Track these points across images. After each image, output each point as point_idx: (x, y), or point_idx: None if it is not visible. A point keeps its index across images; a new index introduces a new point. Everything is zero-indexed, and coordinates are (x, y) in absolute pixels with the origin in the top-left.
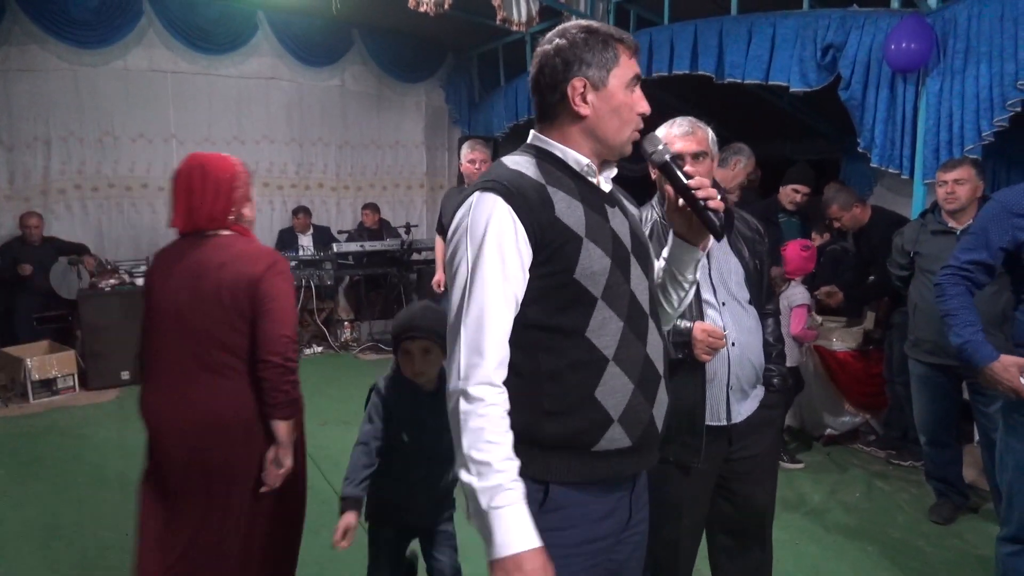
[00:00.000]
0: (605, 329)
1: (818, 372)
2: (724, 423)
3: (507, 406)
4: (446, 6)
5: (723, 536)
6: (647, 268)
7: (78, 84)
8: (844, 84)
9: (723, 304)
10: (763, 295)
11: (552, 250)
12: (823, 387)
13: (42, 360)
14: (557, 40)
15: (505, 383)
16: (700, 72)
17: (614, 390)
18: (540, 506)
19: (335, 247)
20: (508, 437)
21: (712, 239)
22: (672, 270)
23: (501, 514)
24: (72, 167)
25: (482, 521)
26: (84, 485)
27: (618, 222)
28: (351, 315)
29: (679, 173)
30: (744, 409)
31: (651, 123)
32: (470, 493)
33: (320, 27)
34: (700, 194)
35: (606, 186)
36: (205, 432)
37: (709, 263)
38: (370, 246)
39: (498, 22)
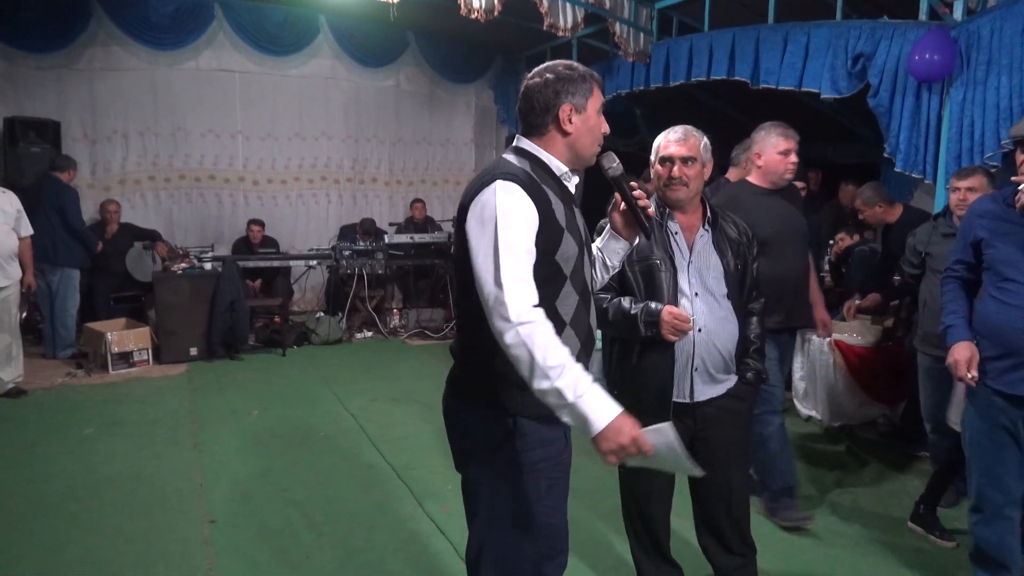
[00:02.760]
0: (568, 300)
1: (838, 365)
2: (687, 400)
3: None
4: (496, 12)
5: (706, 514)
6: (590, 254)
7: (155, 83)
8: (873, 92)
9: (696, 294)
10: (745, 293)
11: (545, 235)
12: (843, 380)
13: (121, 335)
14: (547, 75)
15: (488, 336)
16: (736, 78)
17: (568, 346)
18: (511, 432)
19: (386, 238)
20: (562, 346)
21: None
22: (603, 256)
23: (588, 398)
24: (147, 160)
25: (573, 411)
26: (161, 443)
27: (579, 219)
28: (400, 303)
29: (625, 186)
30: (708, 391)
31: (696, 124)
32: (555, 394)
33: (377, 31)
34: (641, 203)
35: (572, 188)
36: None
37: (691, 257)
38: (419, 238)
39: (545, 27)
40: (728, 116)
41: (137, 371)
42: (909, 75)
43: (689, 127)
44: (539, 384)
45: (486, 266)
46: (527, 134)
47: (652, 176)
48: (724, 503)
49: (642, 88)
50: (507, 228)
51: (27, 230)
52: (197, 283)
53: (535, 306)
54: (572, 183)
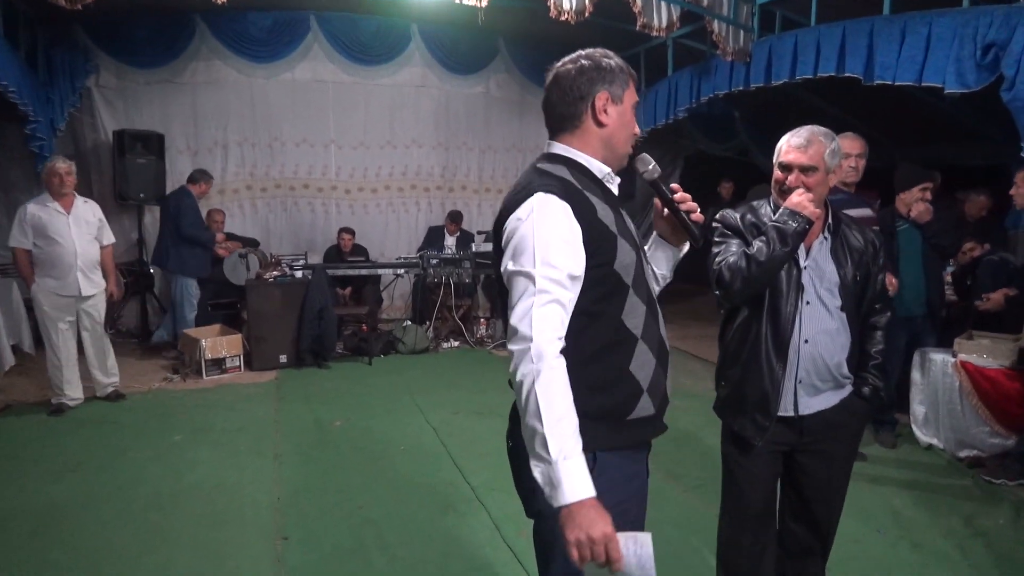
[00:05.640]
0: (635, 312)
1: (965, 389)
2: (792, 414)
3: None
4: (586, 14)
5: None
6: (647, 260)
7: (253, 95)
8: (1007, 84)
9: (807, 303)
10: (865, 304)
11: (596, 246)
12: (970, 405)
13: (215, 341)
14: (582, 62)
15: None
16: (847, 74)
17: (643, 364)
18: (591, 471)
19: (474, 246)
20: (570, 399)
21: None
22: (651, 267)
23: (571, 464)
24: (245, 169)
25: (551, 470)
26: (245, 454)
27: (629, 222)
28: (487, 312)
29: (664, 189)
30: (814, 404)
31: (795, 123)
32: (541, 442)
33: (467, 37)
34: (683, 207)
35: (615, 191)
36: None
37: (806, 262)
38: None
39: (638, 28)
40: (834, 116)
41: (229, 377)
42: None
43: (816, 129)
44: (530, 422)
45: (518, 295)
46: (558, 133)
47: (773, 180)
48: (821, 533)
49: (741, 88)
50: (544, 254)
51: (109, 239)
52: (288, 291)
53: (558, 346)
54: (615, 185)
